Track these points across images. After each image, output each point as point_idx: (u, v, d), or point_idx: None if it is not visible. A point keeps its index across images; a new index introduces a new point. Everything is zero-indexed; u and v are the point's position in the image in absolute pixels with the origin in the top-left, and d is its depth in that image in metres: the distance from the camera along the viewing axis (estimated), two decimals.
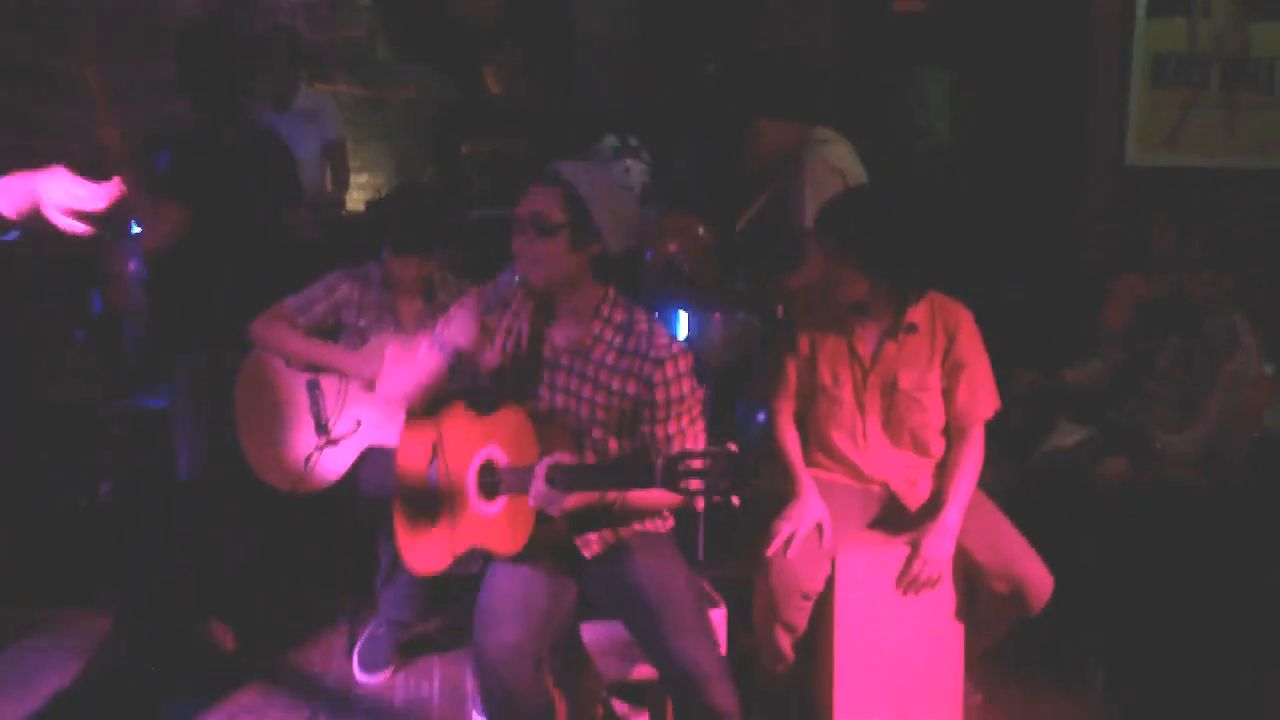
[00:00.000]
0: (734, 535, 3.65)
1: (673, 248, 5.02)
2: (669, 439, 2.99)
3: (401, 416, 3.76)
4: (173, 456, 4.28)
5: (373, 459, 3.90)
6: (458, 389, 3.13)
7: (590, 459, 3.03)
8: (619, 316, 3.05)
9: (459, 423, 3.09)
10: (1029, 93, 6.10)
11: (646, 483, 2.63)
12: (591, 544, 3.10)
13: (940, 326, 3.50)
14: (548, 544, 2.98)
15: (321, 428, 3.95)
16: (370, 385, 3.91)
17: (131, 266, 5.08)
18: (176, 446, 4.26)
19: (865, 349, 3.51)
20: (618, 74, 6.71)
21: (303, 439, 3.95)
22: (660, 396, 2.97)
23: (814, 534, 3.37)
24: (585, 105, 6.58)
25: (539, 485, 2.79)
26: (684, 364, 3.00)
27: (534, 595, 2.97)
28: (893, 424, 3.54)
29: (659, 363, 2.96)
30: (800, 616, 3.37)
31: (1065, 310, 5.50)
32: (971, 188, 6.13)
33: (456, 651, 4.06)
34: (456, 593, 3.95)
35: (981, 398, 3.51)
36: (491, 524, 2.98)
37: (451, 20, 6.47)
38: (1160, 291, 4.45)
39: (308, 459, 3.89)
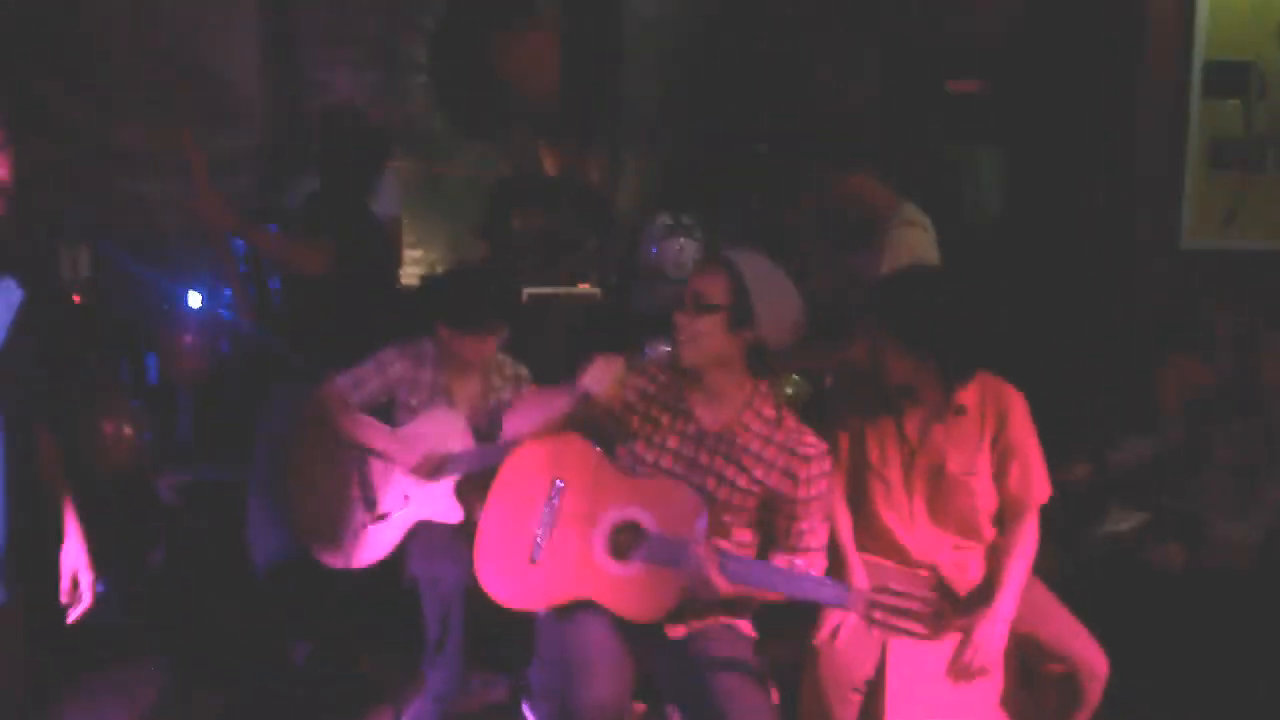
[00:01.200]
0: (783, 615, 3.62)
1: None
2: (800, 534, 3.11)
3: (451, 486, 3.82)
4: (229, 528, 4.35)
5: (422, 534, 3.92)
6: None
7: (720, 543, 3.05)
8: (768, 411, 3.14)
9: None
10: (1081, 173, 6.10)
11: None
12: (679, 627, 3.11)
13: (991, 408, 3.46)
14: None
15: (370, 503, 3.97)
16: (413, 471, 3.94)
17: (188, 339, 5.16)
18: (254, 517, 4.32)
19: (913, 430, 3.48)
20: (668, 150, 6.77)
21: (352, 514, 3.97)
22: (803, 493, 3.09)
23: (862, 623, 3.33)
24: (637, 183, 6.65)
25: (702, 566, 2.85)
26: (827, 464, 3.13)
27: (623, 656, 2.97)
28: (940, 507, 3.49)
29: (806, 460, 3.09)
30: (848, 710, 3.32)
31: (1116, 394, 5.46)
32: (1023, 269, 6.12)
33: None
34: (506, 667, 3.95)
35: (1035, 482, 3.47)
36: (617, 584, 3.00)
37: (506, 96, 6.56)
38: (1222, 373, 4.41)
39: (356, 533, 3.92)
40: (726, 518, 3.09)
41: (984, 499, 3.47)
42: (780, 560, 3.13)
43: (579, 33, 6.71)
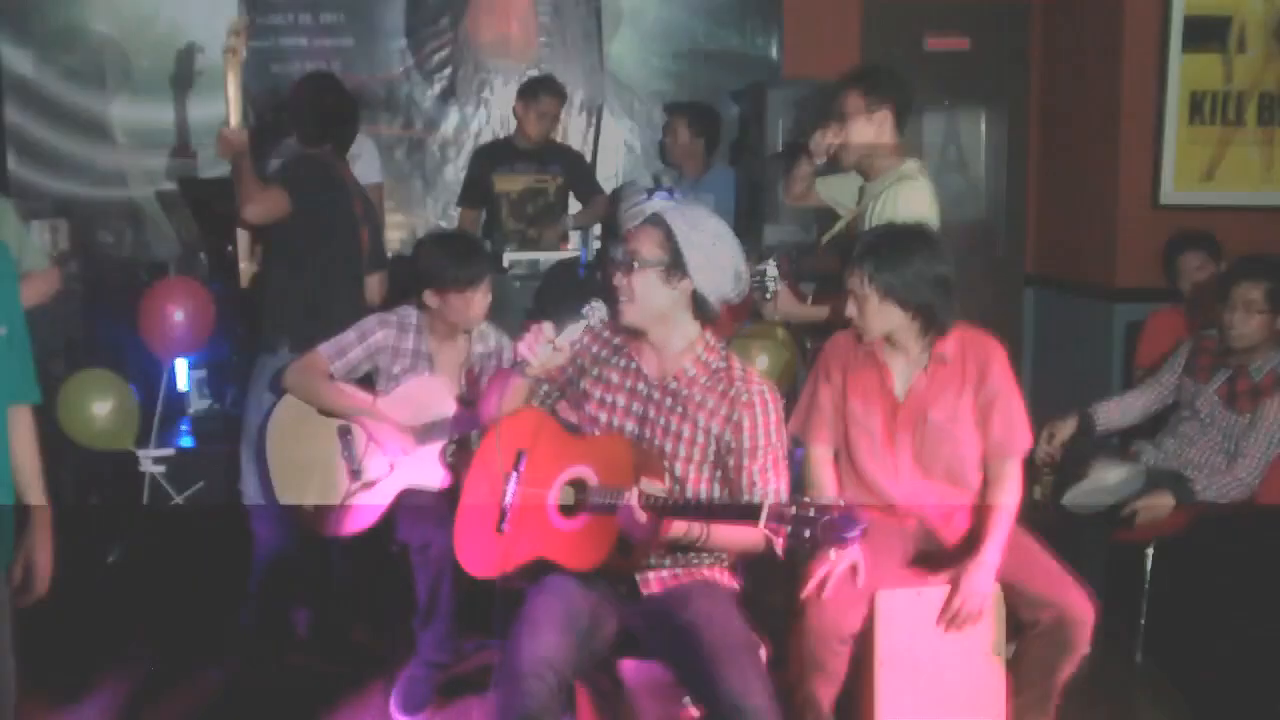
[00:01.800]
0: (771, 568, 3.63)
1: None
2: (754, 479, 3.07)
3: (437, 452, 3.82)
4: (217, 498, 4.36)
5: (409, 501, 3.91)
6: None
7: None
8: (713, 358, 3.14)
9: (549, 437, 3.15)
10: (1064, 130, 6.10)
11: (749, 518, 2.70)
12: (651, 582, 3.12)
13: (971, 357, 3.47)
14: (610, 572, 3.02)
15: (355, 471, 3.97)
16: (403, 433, 3.93)
17: (170, 308, 5.14)
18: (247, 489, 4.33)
19: (895, 382, 3.50)
20: (647, 110, 6.75)
21: (337, 483, 3.96)
22: (749, 438, 3.05)
23: (849, 575, 3.34)
24: (619, 143, 6.63)
25: (631, 508, 2.84)
26: (773, 404, 3.09)
27: (578, 614, 2.96)
28: (925, 457, 3.50)
29: (750, 403, 3.06)
30: (838, 662, 3.33)
31: (1100, 347, 5.48)
32: (1008, 227, 6.14)
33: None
34: (496, 633, 3.95)
35: (1018, 430, 3.48)
36: (566, 538, 3.03)
37: (484, 60, 6.54)
38: (1200, 329, 4.43)
39: (342, 503, 3.91)
40: (681, 469, 3.10)
41: (969, 446, 3.48)
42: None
43: None
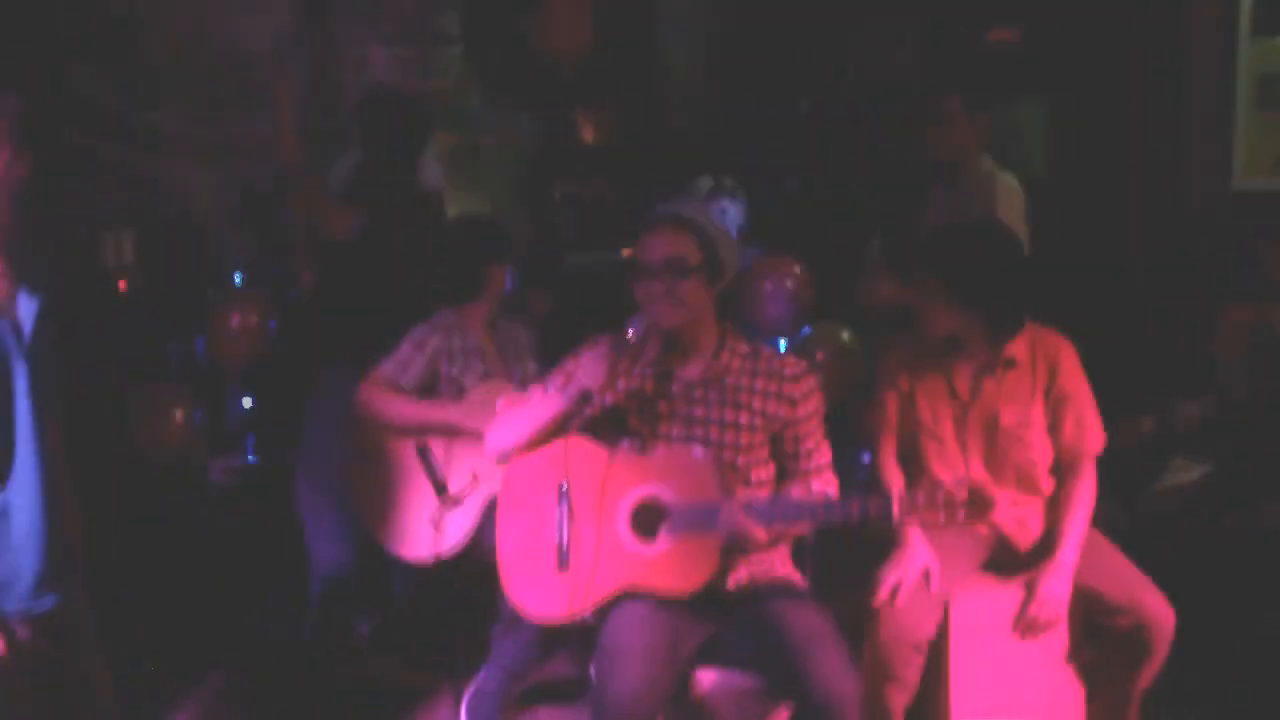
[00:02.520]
0: (840, 576, 3.58)
1: (767, 285, 5.01)
2: (809, 454, 3.15)
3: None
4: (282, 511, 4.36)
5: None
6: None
7: (740, 491, 3.06)
8: (743, 347, 3.17)
9: (596, 463, 3.09)
10: (1129, 120, 5.99)
11: (883, 517, 2.81)
12: (729, 589, 3.10)
13: (1041, 359, 3.42)
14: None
15: (441, 488, 3.95)
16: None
17: (235, 321, 5.16)
18: (311, 521, 4.33)
19: (964, 386, 3.44)
20: (707, 112, 6.71)
21: (425, 504, 3.96)
22: (802, 411, 3.13)
23: (921, 582, 3.30)
24: (676, 145, 6.59)
25: (736, 522, 2.87)
26: (815, 379, 3.17)
27: (661, 639, 2.92)
28: (996, 462, 3.45)
29: (795, 379, 3.12)
30: (911, 671, 3.29)
31: (1173, 342, 5.37)
32: (1073, 219, 6.03)
33: (568, 706, 4.02)
34: (573, 641, 3.93)
35: (1089, 430, 3.43)
36: (654, 564, 2.99)
37: (541, 64, 6.52)
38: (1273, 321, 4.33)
39: (437, 524, 3.90)
40: (740, 460, 3.09)
41: (1040, 451, 3.43)
42: (797, 488, 3.13)
43: None
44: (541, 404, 3.12)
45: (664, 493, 3.01)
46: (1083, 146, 6.31)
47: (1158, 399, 4.49)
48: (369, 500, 4.02)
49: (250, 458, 5.43)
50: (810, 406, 3.14)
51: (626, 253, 5.90)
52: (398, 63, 6.54)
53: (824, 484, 3.16)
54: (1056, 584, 3.30)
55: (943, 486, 2.75)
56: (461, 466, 3.94)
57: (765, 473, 3.16)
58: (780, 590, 3.11)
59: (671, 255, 3.02)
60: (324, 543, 4.36)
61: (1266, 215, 5.24)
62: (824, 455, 3.19)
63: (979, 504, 2.72)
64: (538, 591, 3.10)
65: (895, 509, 2.79)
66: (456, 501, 3.92)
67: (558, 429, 3.12)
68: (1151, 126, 5.84)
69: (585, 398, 3.07)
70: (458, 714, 3.93)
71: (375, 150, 4.64)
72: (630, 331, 3.05)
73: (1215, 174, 5.64)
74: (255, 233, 6.04)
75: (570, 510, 3.05)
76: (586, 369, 3.04)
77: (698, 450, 3.05)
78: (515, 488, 3.20)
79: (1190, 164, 5.67)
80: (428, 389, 4.04)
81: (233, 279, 6.09)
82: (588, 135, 5.96)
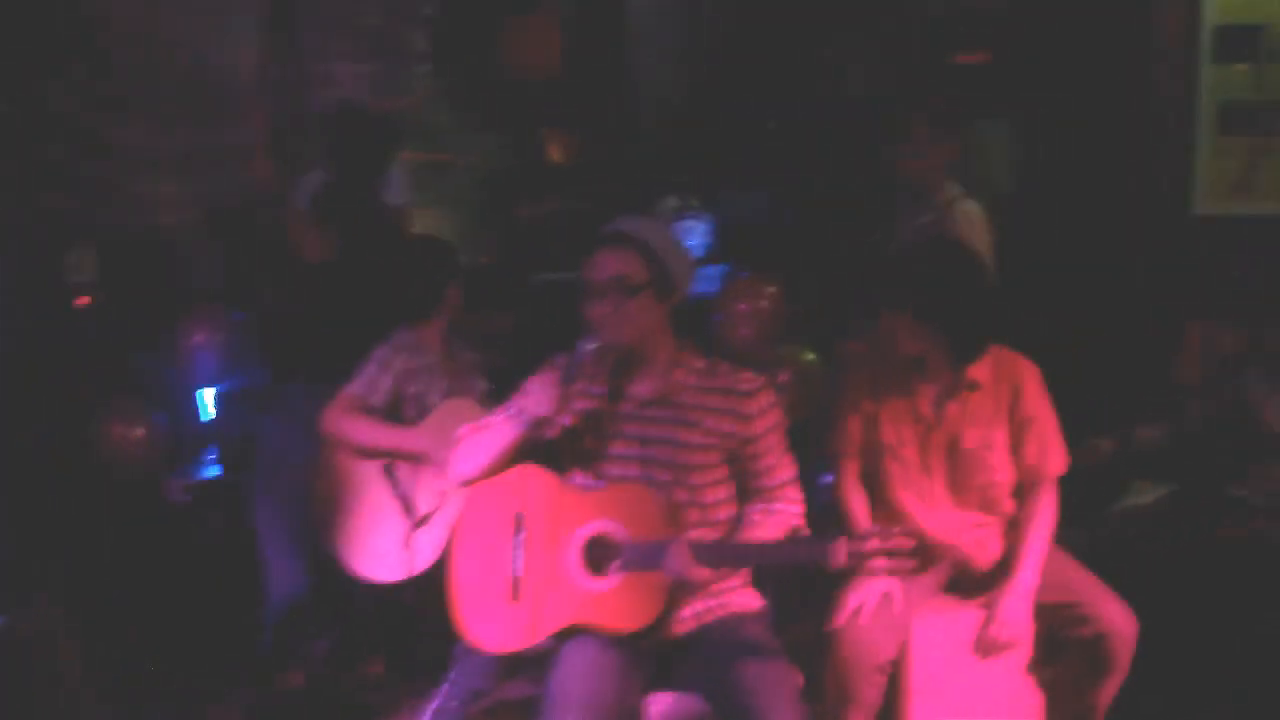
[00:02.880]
0: (804, 595, 3.59)
1: (741, 307, 5.03)
2: (768, 471, 3.10)
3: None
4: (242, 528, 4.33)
5: None
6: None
7: (694, 513, 3.04)
8: (699, 363, 3.11)
9: (551, 493, 3.08)
10: (1092, 142, 6.04)
11: (821, 564, 2.73)
12: (685, 620, 3.07)
13: (1004, 382, 3.44)
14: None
15: (409, 509, 3.94)
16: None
17: (198, 338, 5.14)
18: (267, 538, 4.30)
19: (927, 408, 3.46)
20: (675, 131, 6.73)
21: (393, 525, 3.94)
22: (758, 428, 3.06)
23: (883, 603, 3.30)
24: (643, 165, 6.60)
25: (681, 564, 2.84)
26: (771, 395, 3.11)
27: (607, 687, 2.89)
28: (958, 484, 3.47)
29: (749, 395, 3.06)
30: (872, 692, 3.29)
31: (1133, 364, 5.41)
32: (1035, 241, 6.07)
33: None
34: (533, 661, 3.92)
35: (1052, 453, 3.45)
36: (603, 600, 2.95)
37: (509, 84, 6.52)
38: (1239, 342, 4.37)
39: (407, 543, 3.89)
40: (695, 480, 3.05)
41: (1002, 473, 3.45)
42: (756, 511, 3.10)
43: (582, 17, 6.66)
44: (499, 431, 3.07)
45: (614, 529, 2.98)
46: (1045, 169, 6.37)
47: (1119, 421, 4.52)
48: (335, 522, 4.00)
49: (210, 473, 5.40)
50: (767, 423, 3.08)
51: None
52: (365, 79, 6.52)
53: (787, 503, 3.12)
54: (1016, 605, 3.31)
55: (892, 534, 2.71)
56: (429, 485, 3.94)
57: (723, 492, 3.12)
58: (735, 628, 3.07)
59: (617, 274, 2.97)
60: (280, 560, 4.33)
61: (1226, 240, 5.29)
62: (785, 472, 3.14)
63: (925, 556, 2.74)
64: (489, 622, 3.07)
65: (839, 557, 2.73)
66: (424, 521, 3.91)
67: (515, 455, 3.09)
68: (1114, 151, 5.89)
69: (538, 423, 3.04)
70: None
71: (340, 166, 4.64)
72: (581, 352, 3.01)
73: (1177, 199, 5.69)
74: (221, 248, 6.01)
75: (524, 541, 3.05)
76: (535, 396, 3.00)
77: (650, 489, 3.01)
78: (469, 517, 3.17)
79: (1152, 188, 5.72)
80: (392, 407, 4.03)
81: (197, 294, 6.06)
82: (555, 155, 5.96)
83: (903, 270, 3.41)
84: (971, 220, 4.43)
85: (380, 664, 4.46)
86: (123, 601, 4.62)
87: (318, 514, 4.03)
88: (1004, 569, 3.41)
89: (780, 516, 3.10)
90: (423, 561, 3.90)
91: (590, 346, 2.99)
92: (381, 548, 3.93)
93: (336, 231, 4.38)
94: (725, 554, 2.91)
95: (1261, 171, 5.59)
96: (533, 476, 3.10)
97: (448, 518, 3.89)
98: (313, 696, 4.21)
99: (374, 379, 4.00)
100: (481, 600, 3.08)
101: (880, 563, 2.70)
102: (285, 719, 4.09)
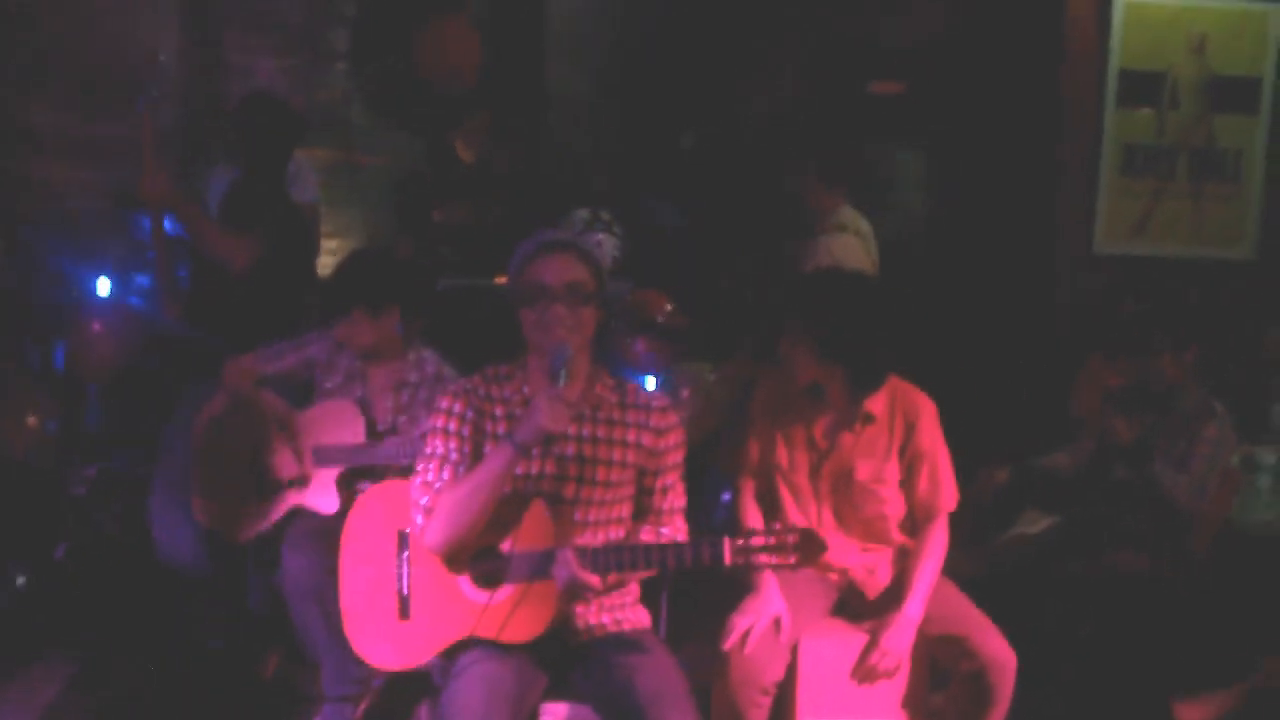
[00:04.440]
0: (696, 617, 3.61)
1: (639, 322, 5.07)
2: (665, 490, 3.12)
3: (333, 477, 3.86)
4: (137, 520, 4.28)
5: (295, 522, 3.89)
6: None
7: (591, 528, 3.04)
8: (609, 379, 3.14)
9: None
10: (1000, 177, 6.15)
11: (715, 562, 2.77)
12: (579, 632, 3.07)
13: (900, 416, 3.48)
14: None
15: (260, 479, 3.99)
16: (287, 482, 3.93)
17: (97, 328, 5.06)
18: (159, 518, 4.25)
19: (821, 436, 3.50)
20: (590, 143, 6.74)
21: (244, 489, 4.00)
22: (666, 444, 3.10)
23: (771, 628, 3.33)
24: (557, 171, 6.60)
25: (570, 570, 2.85)
26: (677, 417, 3.14)
27: (497, 709, 2.84)
28: (846, 513, 3.52)
29: (663, 412, 3.11)
30: (759, 713, 3.31)
31: (1035, 397, 5.51)
32: (942, 272, 6.17)
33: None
34: None
35: (944, 489, 3.50)
36: (497, 613, 2.94)
37: (425, 87, 6.49)
38: (1127, 378, 4.46)
39: (245, 507, 3.96)
40: (608, 495, 3.06)
41: (891, 506, 3.50)
42: (645, 530, 3.11)
43: (502, 24, 6.65)
44: (492, 464, 2.93)
45: (501, 541, 2.98)
46: (956, 201, 6.47)
47: (1016, 450, 4.61)
48: (202, 472, 4.06)
49: (104, 465, 5.31)
50: (673, 441, 3.11)
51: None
52: (283, 74, 6.46)
53: (674, 530, 3.12)
54: (899, 635, 3.36)
55: (774, 531, 2.76)
56: (287, 467, 3.95)
57: (625, 510, 3.12)
58: (628, 641, 3.08)
59: (574, 280, 2.98)
60: (180, 548, 4.28)
61: (1124, 278, 5.42)
62: (679, 499, 3.15)
63: (810, 547, 2.74)
64: (380, 640, 3.05)
65: (726, 555, 2.77)
66: (269, 496, 3.92)
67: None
68: (1021, 188, 6.01)
69: (547, 440, 2.96)
70: None
71: (247, 157, 4.60)
72: (559, 358, 2.96)
73: (1080, 237, 5.81)
74: (124, 238, 5.92)
75: (410, 558, 3.03)
76: (548, 413, 2.86)
77: (536, 500, 2.98)
78: (356, 534, 3.14)
79: (1056, 225, 5.84)
80: (304, 395, 4.02)
81: (98, 284, 5.96)
82: (468, 161, 5.94)
83: (803, 300, 3.44)
84: (848, 250, 4.56)
85: (276, 660, 4.42)
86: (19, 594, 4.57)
87: (191, 457, 4.05)
88: (892, 595, 3.46)
89: (667, 540, 3.08)
90: (248, 531, 3.97)
91: (568, 349, 2.96)
92: (225, 505, 4.03)
93: (257, 234, 4.33)
94: (612, 558, 2.89)
95: (1159, 214, 5.74)
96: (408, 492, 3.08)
97: (286, 501, 3.95)
98: (211, 690, 4.15)
99: (283, 349, 4.04)
100: (370, 619, 3.07)
101: (765, 558, 2.74)
102: (184, 712, 4.03)
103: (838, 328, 3.33)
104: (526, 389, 3.08)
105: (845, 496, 3.49)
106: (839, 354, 3.34)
